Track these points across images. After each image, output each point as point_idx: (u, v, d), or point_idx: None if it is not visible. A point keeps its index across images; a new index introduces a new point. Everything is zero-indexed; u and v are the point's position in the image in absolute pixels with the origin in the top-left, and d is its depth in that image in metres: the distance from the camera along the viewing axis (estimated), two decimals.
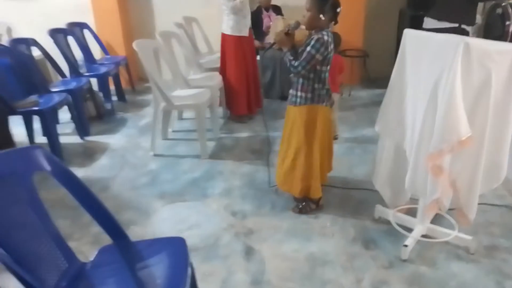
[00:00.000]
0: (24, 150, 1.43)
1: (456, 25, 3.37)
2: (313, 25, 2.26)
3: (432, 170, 1.77)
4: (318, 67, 2.27)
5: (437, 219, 2.28)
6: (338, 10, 2.24)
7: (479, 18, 4.47)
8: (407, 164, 2.15)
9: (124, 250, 1.57)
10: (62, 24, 4.37)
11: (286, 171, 2.47)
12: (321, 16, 2.21)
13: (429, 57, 1.88)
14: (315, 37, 2.20)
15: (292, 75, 2.37)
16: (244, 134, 3.77)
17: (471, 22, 3.56)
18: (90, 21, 4.96)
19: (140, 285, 1.42)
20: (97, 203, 1.53)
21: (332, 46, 2.26)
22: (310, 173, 2.41)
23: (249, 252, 2.20)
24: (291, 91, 2.42)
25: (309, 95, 2.33)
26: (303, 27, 2.33)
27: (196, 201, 2.71)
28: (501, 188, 2.63)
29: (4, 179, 1.26)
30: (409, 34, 2.00)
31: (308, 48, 2.20)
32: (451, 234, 2.16)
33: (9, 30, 5.33)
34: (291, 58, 2.26)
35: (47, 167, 1.41)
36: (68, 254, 1.45)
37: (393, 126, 2.15)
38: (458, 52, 1.67)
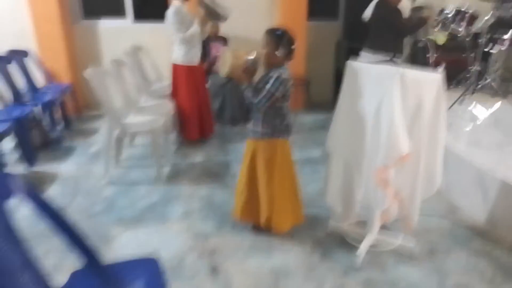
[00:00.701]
0: None
1: (389, 58, 3.81)
2: (270, 62, 2.31)
3: (380, 183, 2.01)
4: (277, 104, 2.32)
5: (382, 230, 2.52)
6: (293, 47, 2.30)
7: (406, 49, 5.04)
8: (355, 179, 2.39)
9: (97, 273, 1.58)
10: (2, 51, 4.22)
11: (245, 203, 2.53)
12: (276, 52, 2.27)
13: (371, 85, 2.15)
14: (274, 75, 2.25)
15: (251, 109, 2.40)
16: (198, 158, 3.85)
17: (401, 52, 4.03)
18: (33, 47, 4.83)
19: None
20: (67, 226, 1.54)
21: (290, 82, 2.31)
22: (271, 205, 2.46)
23: (214, 270, 2.27)
24: (250, 126, 2.45)
25: (268, 130, 2.37)
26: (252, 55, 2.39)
27: (156, 225, 2.73)
28: (434, 200, 2.97)
29: None
30: (352, 64, 2.27)
31: (268, 86, 2.24)
32: (396, 242, 2.40)
33: None
34: (251, 95, 2.30)
35: (16, 192, 1.42)
36: (43, 279, 1.44)
37: (342, 145, 2.38)
38: (395, 82, 1.95)
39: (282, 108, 2.36)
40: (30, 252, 1.41)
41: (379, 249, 2.41)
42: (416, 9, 4.15)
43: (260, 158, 2.43)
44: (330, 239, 2.57)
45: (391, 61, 3.80)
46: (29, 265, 1.40)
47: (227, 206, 2.91)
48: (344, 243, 2.49)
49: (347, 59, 2.35)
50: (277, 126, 2.38)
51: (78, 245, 1.57)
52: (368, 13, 4.10)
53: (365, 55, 3.92)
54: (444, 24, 4.69)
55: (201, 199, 3.07)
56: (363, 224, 2.50)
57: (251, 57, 2.34)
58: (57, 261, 2.28)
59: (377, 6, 4.00)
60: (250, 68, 2.33)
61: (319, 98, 5.62)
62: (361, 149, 2.22)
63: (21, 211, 1.45)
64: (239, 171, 2.59)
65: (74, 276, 1.56)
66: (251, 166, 2.48)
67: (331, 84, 5.77)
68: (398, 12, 3.83)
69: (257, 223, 2.57)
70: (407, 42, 5.15)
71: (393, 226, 2.56)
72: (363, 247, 2.35)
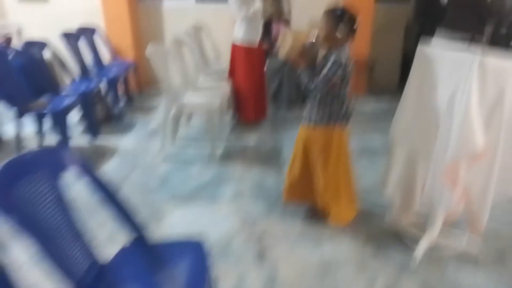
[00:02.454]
0: (54, 150, 1.47)
1: (468, 38, 3.46)
2: (330, 44, 2.18)
3: (448, 181, 1.82)
4: (335, 89, 2.19)
5: (444, 229, 2.32)
6: (355, 26, 2.15)
7: (487, 30, 4.57)
8: (418, 173, 2.21)
9: (145, 250, 1.59)
10: (72, 27, 4.43)
11: (297, 185, 2.47)
12: (337, 33, 2.14)
13: (444, 72, 1.94)
14: (332, 59, 2.12)
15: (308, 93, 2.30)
16: (251, 141, 3.81)
17: (482, 33, 3.65)
18: (100, 25, 5.02)
19: (162, 287, 1.44)
20: (119, 203, 1.56)
21: (350, 66, 2.17)
22: (325, 196, 2.40)
23: (261, 255, 2.23)
24: (305, 112, 2.35)
25: (325, 117, 2.26)
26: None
27: (207, 205, 2.74)
28: (509, 207, 2.69)
29: (35, 177, 1.29)
30: (423, 49, 2.06)
31: (325, 71, 2.12)
32: (460, 246, 2.20)
33: (19, 32, 5.39)
34: (307, 79, 2.19)
35: (74, 166, 1.45)
36: (91, 254, 1.47)
37: (407, 135, 2.20)
38: (473, 69, 1.73)
39: (340, 93, 2.22)
40: (82, 225, 1.45)
41: (440, 253, 2.22)
42: None
43: (315, 147, 2.33)
44: (385, 235, 2.41)
45: (470, 41, 3.45)
46: (80, 237, 1.43)
47: (278, 191, 2.84)
48: (400, 241, 2.33)
49: (417, 43, 2.14)
50: (334, 113, 2.26)
51: (127, 221, 1.59)
52: None
53: (441, 34, 3.60)
54: None
55: (252, 182, 3.03)
56: (423, 224, 2.31)
57: (311, 40, 2.23)
58: (110, 234, 2.35)
59: None
60: (308, 51, 2.22)
61: (384, 84, 5.33)
62: (429, 142, 2.02)
63: (77, 184, 1.48)
64: (292, 155, 2.51)
65: (122, 252, 1.58)
66: (304, 154, 2.39)
67: (397, 69, 5.43)
68: None
69: (312, 204, 2.51)
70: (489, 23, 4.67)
71: (459, 226, 2.34)
72: (422, 246, 2.17)
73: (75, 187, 1.56)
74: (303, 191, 2.49)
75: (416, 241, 2.25)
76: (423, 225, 2.28)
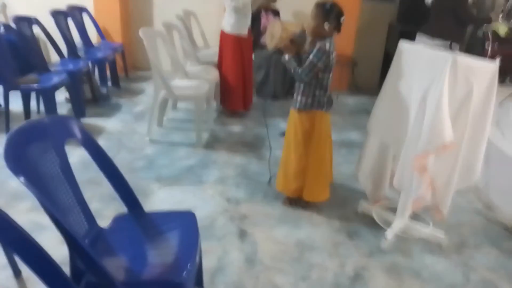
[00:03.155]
0: (61, 118, 1.56)
1: (447, 43, 3.68)
2: (317, 34, 2.35)
3: (418, 169, 2.00)
4: (320, 75, 2.37)
5: (413, 216, 2.52)
6: (342, 19, 2.33)
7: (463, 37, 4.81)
8: (387, 161, 2.40)
9: (138, 218, 1.71)
10: (60, 6, 4.41)
11: (283, 172, 2.63)
12: (325, 25, 2.31)
13: (420, 68, 2.11)
14: (317, 46, 2.30)
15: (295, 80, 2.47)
16: (236, 128, 3.93)
17: (461, 41, 3.88)
18: (89, 5, 5.01)
19: (154, 251, 1.56)
20: (116, 173, 1.66)
21: (333, 54, 2.37)
22: (303, 175, 2.54)
23: (242, 234, 2.37)
24: (294, 95, 2.51)
25: (309, 100, 2.43)
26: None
27: (192, 186, 2.85)
28: (471, 194, 2.91)
29: (43, 143, 1.38)
30: (404, 45, 2.22)
31: (311, 57, 2.30)
32: (426, 231, 2.40)
33: (3, 7, 5.31)
34: (295, 65, 2.37)
35: (79, 136, 1.55)
36: (89, 217, 1.58)
37: (382, 127, 2.37)
38: (446, 66, 1.90)
39: (324, 79, 2.41)
40: (80, 192, 1.55)
41: (408, 236, 2.41)
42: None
43: (298, 129, 2.50)
44: (359, 219, 2.59)
45: (449, 48, 3.67)
46: (80, 200, 1.53)
47: (260, 176, 2.99)
48: (373, 225, 2.51)
49: (399, 42, 2.30)
50: (317, 97, 2.43)
51: (123, 191, 1.69)
52: None
53: (421, 39, 3.80)
54: (509, 14, 4.42)
55: (236, 167, 3.16)
56: (395, 209, 2.50)
57: (299, 30, 2.39)
58: (99, 207, 2.45)
59: None
60: (297, 40, 2.41)
61: (365, 81, 5.51)
62: (402, 133, 2.20)
63: (71, 158, 1.57)
64: (285, 144, 2.65)
65: (117, 219, 1.69)
66: (289, 137, 2.56)
67: (379, 67, 5.63)
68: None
69: (285, 192, 2.66)
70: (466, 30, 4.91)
71: (424, 215, 2.55)
72: (392, 230, 2.36)
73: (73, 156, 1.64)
74: (284, 178, 2.63)
75: (389, 224, 2.43)
76: (395, 210, 2.47)
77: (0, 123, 3.47)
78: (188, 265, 1.42)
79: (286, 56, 2.42)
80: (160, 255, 1.52)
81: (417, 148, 2.01)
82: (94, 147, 1.59)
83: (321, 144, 2.52)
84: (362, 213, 2.63)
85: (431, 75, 2.00)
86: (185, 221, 1.68)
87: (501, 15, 4.45)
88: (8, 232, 1.05)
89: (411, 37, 3.86)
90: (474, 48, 4.79)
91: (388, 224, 2.45)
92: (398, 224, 2.40)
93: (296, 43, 2.42)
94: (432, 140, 1.94)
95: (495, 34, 4.52)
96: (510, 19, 4.45)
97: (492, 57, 4.41)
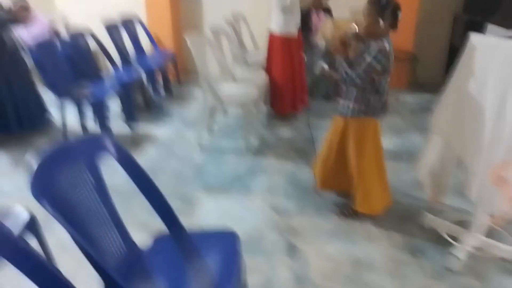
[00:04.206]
0: (95, 138, 1.50)
1: None
2: (372, 32, 2.12)
3: (495, 181, 1.71)
4: (376, 78, 2.14)
5: (490, 233, 2.20)
6: (399, 15, 2.08)
7: None
8: (450, 163, 2.14)
9: (179, 240, 1.61)
10: (114, 16, 4.53)
11: (330, 173, 2.47)
12: (380, 22, 2.08)
13: (497, 66, 1.81)
14: (375, 46, 2.07)
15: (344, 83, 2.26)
16: (286, 133, 3.77)
17: None
18: (141, 15, 5.11)
19: (195, 277, 1.45)
20: (156, 192, 1.58)
21: (392, 56, 2.12)
22: (359, 185, 2.36)
23: (292, 249, 2.21)
24: (341, 101, 2.31)
25: (362, 107, 2.22)
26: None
27: (241, 196, 2.74)
28: None
29: (76, 163, 1.33)
30: (475, 39, 1.93)
31: (369, 59, 2.08)
32: (507, 250, 2.07)
33: (64, 21, 5.60)
34: (346, 68, 2.16)
35: (114, 153, 1.48)
36: (128, 240, 1.51)
37: (448, 127, 2.11)
38: None
39: (380, 84, 2.17)
40: (116, 211, 1.48)
41: (484, 255, 2.10)
42: None
43: (351, 138, 2.30)
44: (424, 233, 2.32)
45: None
46: (117, 223, 1.46)
47: (311, 185, 2.80)
48: (441, 241, 2.22)
49: (466, 35, 2.01)
50: (372, 103, 2.22)
51: (162, 209, 1.61)
52: None
53: (494, 31, 3.38)
54: None
55: (286, 175, 3.00)
56: (465, 223, 2.20)
57: (352, 29, 2.18)
58: (147, 219, 2.41)
59: None
60: (349, 40, 2.20)
61: (427, 78, 5.10)
62: (473, 138, 1.91)
63: (113, 171, 1.51)
64: (324, 143, 2.49)
65: (157, 240, 1.60)
66: (341, 144, 2.37)
67: (443, 62, 5.17)
68: None
69: (345, 192, 2.50)
70: None
71: (504, 231, 2.21)
72: (462, 247, 2.07)
73: (111, 173, 1.58)
74: (337, 180, 2.49)
75: (458, 240, 2.14)
76: (465, 224, 2.17)
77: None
78: None
79: (339, 59, 2.21)
80: (199, 282, 1.41)
81: (494, 157, 1.72)
82: (131, 164, 1.52)
83: (375, 152, 2.31)
84: (428, 227, 2.35)
85: (510, 75, 1.70)
86: (227, 242, 1.56)
87: None
88: (28, 261, 0.98)
89: (480, 29, 3.46)
90: None
91: (458, 240, 2.15)
92: (472, 240, 2.10)
93: (348, 44, 2.20)
94: None
95: None
96: None
97: None
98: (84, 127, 3.72)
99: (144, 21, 5.12)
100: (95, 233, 1.33)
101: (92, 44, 4.08)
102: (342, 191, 2.58)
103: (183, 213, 2.51)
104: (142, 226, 2.27)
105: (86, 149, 1.39)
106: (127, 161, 1.52)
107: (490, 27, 3.51)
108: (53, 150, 1.24)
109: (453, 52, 4.85)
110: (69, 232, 1.08)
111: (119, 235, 1.46)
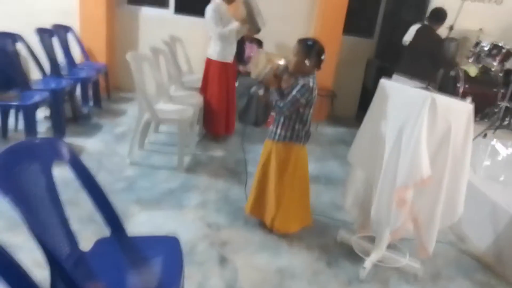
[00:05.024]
0: (51, 140, 1.55)
1: (424, 86, 3.86)
2: (299, 70, 2.41)
3: (397, 202, 2.07)
4: (301, 110, 2.43)
5: (390, 246, 2.58)
6: (323, 57, 2.41)
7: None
8: (372, 193, 2.46)
9: (121, 243, 1.69)
10: (46, 24, 4.40)
11: (255, 199, 2.65)
12: (306, 61, 2.37)
13: (398, 105, 2.22)
14: (301, 82, 2.36)
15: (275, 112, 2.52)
16: (219, 153, 3.96)
17: (435, 82, 4.10)
18: (75, 25, 5.01)
19: (137, 277, 1.54)
20: (101, 194, 1.66)
21: (316, 91, 2.44)
22: (277, 206, 2.55)
23: (223, 260, 2.36)
24: (271, 127, 2.56)
25: (288, 133, 2.47)
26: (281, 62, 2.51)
27: (173, 210, 2.83)
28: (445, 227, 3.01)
29: (32, 164, 1.37)
30: (385, 82, 2.34)
31: (294, 92, 2.35)
32: (403, 261, 2.46)
33: None
34: (277, 98, 2.43)
35: (66, 156, 1.54)
36: (72, 240, 1.55)
37: (363, 158, 2.45)
38: (425, 105, 2.01)
39: (304, 114, 2.47)
40: (64, 213, 1.53)
41: (385, 265, 2.46)
42: (450, 40, 4.18)
43: (274, 159, 2.54)
44: (338, 248, 2.63)
45: (426, 89, 3.86)
46: (64, 222, 1.51)
47: (241, 202, 3.00)
48: (352, 254, 2.55)
49: (376, 78, 2.43)
50: (296, 131, 2.49)
51: (107, 213, 1.68)
52: (409, 37, 4.15)
53: (398, 78, 3.97)
54: (479, 56, 4.71)
55: (217, 192, 3.17)
56: (373, 238, 2.56)
57: (282, 63, 2.47)
58: (77, 229, 2.39)
59: (420, 32, 4.03)
60: (280, 74, 2.47)
61: (343, 113, 5.68)
62: (379, 166, 2.28)
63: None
64: (257, 168, 2.69)
65: (99, 243, 1.66)
66: (265, 166, 2.59)
67: (356, 100, 5.82)
68: (441, 42, 3.87)
69: (263, 220, 2.68)
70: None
71: (401, 245, 2.61)
72: (370, 260, 2.40)
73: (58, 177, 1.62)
74: (260, 207, 2.66)
75: (367, 254, 2.48)
76: (373, 239, 2.52)
77: None
78: None
79: (270, 88, 2.47)
80: (143, 282, 1.50)
81: (395, 182, 2.09)
82: (80, 167, 1.59)
83: (297, 175, 2.54)
84: (342, 243, 2.67)
85: (408, 112, 2.11)
86: (169, 246, 1.67)
87: (471, 58, 4.74)
88: None
89: (387, 73, 4.03)
90: (447, 87, 5.05)
91: (367, 253, 2.49)
92: (376, 254, 2.45)
93: (279, 77, 2.47)
94: (410, 174, 2.02)
95: (466, 74, 4.80)
96: (479, 61, 4.73)
97: (464, 96, 4.67)
98: (5, 135, 3.54)
99: (78, 32, 5.03)
100: (45, 227, 1.37)
101: (20, 50, 3.91)
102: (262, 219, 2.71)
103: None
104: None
105: (44, 150, 1.44)
106: (77, 164, 1.58)
107: (396, 75, 4.11)
108: (15, 145, 1.29)
109: (365, 91, 5.53)
110: (28, 222, 1.14)
111: (65, 233, 1.50)
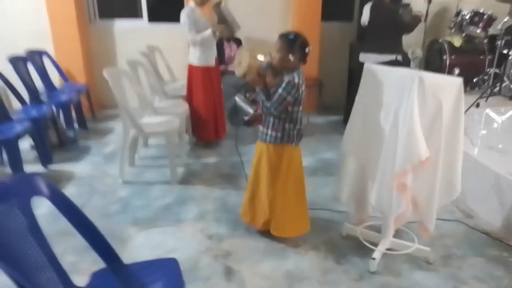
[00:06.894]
0: (26, 176, 1.46)
1: (394, 57, 3.81)
2: (284, 66, 2.29)
3: (398, 188, 2.00)
4: (289, 108, 2.31)
5: (398, 233, 2.51)
6: (307, 50, 2.29)
7: (419, 52, 5.00)
8: (368, 182, 2.39)
9: (118, 273, 1.60)
10: (19, 50, 4.29)
11: (248, 202, 2.57)
12: (290, 56, 2.25)
13: (388, 89, 2.14)
14: (286, 79, 2.25)
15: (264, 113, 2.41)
16: (212, 159, 3.87)
17: (402, 51, 4.04)
18: (49, 48, 4.89)
19: None
20: (92, 227, 1.57)
21: (303, 87, 2.31)
22: (270, 210, 2.47)
23: (229, 272, 2.28)
24: (261, 128, 2.47)
25: (278, 134, 2.36)
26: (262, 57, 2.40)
27: (171, 226, 2.75)
28: (450, 204, 2.94)
29: (6, 203, 1.28)
30: (369, 67, 2.26)
31: (280, 90, 2.24)
32: (412, 246, 2.39)
33: None
34: (263, 98, 2.32)
35: (46, 192, 1.45)
36: (64, 277, 1.47)
37: (356, 147, 2.38)
38: (414, 85, 1.94)
39: (293, 113, 2.35)
40: (52, 250, 1.44)
41: (395, 252, 2.39)
42: (403, 6, 4.10)
43: (265, 163, 2.43)
44: (345, 242, 2.56)
45: (396, 61, 3.79)
46: (53, 262, 1.42)
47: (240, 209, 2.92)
48: (360, 246, 2.47)
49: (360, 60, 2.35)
50: (287, 131, 2.38)
51: (99, 245, 1.59)
52: (365, 17, 4.09)
53: (367, 57, 3.88)
54: (461, 25, 4.65)
55: (215, 200, 3.09)
56: (379, 228, 2.49)
57: (265, 60, 2.36)
58: (74, 260, 2.31)
59: (374, 9, 4.00)
60: (264, 71, 2.35)
61: (332, 100, 5.60)
62: (377, 153, 2.21)
63: (40, 210, 1.48)
64: (250, 171, 2.61)
65: (95, 276, 1.58)
66: (257, 168, 2.50)
67: (344, 85, 5.73)
68: (395, 11, 3.84)
69: (253, 225, 2.60)
70: (421, 44, 5.11)
71: (408, 230, 2.54)
72: (378, 252, 2.33)
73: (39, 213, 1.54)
74: (251, 210, 2.57)
75: (375, 244, 2.41)
76: (379, 228, 2.45)
77: None
78: None
79: (256, 89, 2.38)
80: None
81: (393, 167, 2.02)
82: (63, 201, 1.50)
83: (290, 178, 2.43)
84: (348, 236, 2.60)
85: (399, 95, 2.03)
86: (168, 269, 1.60)
87: (454, 28, 4.67)
88: None
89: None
90: (433, 60, 4.99)
91: (375, 244, 2.42)
92: (384, 244, 2.39)
93: (263, 76, 2.35)
94: (408, 158, 1.95)
95: (451, 45, 4.73)
96: (462, 30, 4.67)
97: (451, 67, 4.60)
98: None
99: (52, 55, 4.90)
100: (33, 275, 1.28)
101: None
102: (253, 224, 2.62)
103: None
104: (71, 268, 2.19)
105: (19, 188, 1.35)
106: (61, 200, 1.49)
107: (363, 55, 4.02)
108: None
109: (352, 75, 5.45)
110: (7, 272, 1.06)
111: (55, 273, 1.41)
